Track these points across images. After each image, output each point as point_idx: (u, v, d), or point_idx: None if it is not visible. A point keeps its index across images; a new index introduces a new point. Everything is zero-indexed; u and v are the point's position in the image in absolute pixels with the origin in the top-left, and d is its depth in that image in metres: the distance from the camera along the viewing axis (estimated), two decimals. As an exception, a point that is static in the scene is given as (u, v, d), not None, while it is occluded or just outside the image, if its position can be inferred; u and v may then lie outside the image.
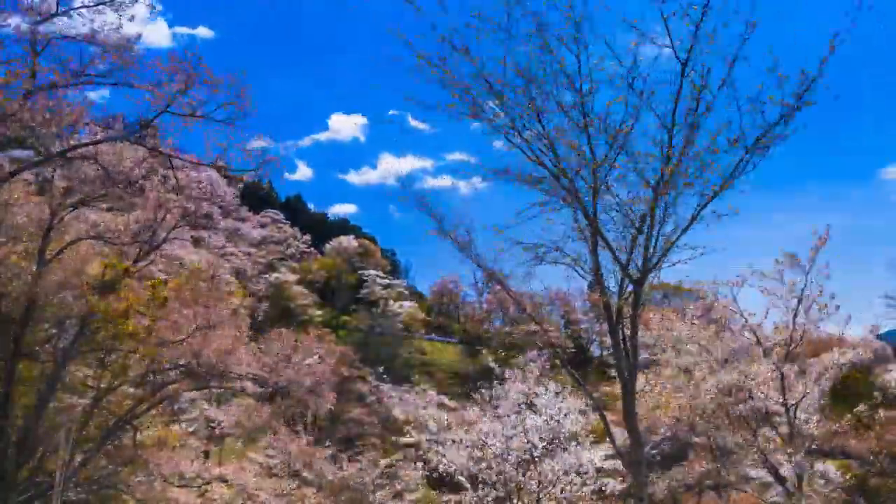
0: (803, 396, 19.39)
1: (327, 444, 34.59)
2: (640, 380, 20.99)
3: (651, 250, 11.28)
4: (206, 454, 30.38)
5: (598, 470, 19.28)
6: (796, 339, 19.34)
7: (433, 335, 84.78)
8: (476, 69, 10.78)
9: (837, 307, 18.78)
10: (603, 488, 19.15)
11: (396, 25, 10.77)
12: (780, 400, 19.15)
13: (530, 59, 10.65)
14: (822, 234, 18.18)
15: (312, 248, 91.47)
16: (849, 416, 21.82)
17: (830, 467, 20.76)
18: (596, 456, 19.40)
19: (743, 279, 19.20)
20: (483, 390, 21.34)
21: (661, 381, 21.87)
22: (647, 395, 22.04)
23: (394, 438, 40.41)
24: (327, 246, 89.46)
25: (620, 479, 19.58)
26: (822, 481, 18.89)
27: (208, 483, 22.52)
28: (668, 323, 21.17)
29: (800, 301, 18.92)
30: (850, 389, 20.40)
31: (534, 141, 11.15)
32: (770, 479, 22.21)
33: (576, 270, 12.10)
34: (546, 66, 10.65)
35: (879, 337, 35.82)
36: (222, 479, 23.40)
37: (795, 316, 19.13)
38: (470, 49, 10.64)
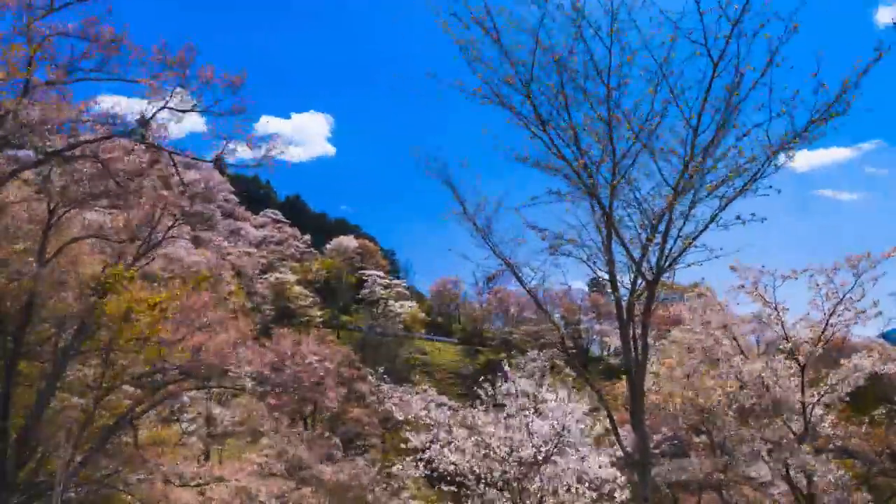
0: (822, 396, 19.27)
1: (328, 443, 34.53)
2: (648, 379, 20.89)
3: (667, 250, 11.14)
4: (206, 454, 30.30)
5: (602, 473, 19.13)
6: (825, 339, 19.17)
7: (433, 335, 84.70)
8: (505, 55, 10.64)
9: (879, 313, 18.63)
10: (606, 491, 19.02)
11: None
12: (799, 398, 19.04)
13: (563, 49, 10.50)
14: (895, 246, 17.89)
15: (312, 248, 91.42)
16: (863, 416, 21.73)
17: (832, 466, 20.62)
18: (600, 459, 19.25)
19: (795, 272, 18.96)
20: (487, 386, 21.15)
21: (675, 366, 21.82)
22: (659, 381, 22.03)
23: (396, 444, 40.32)
24: (327, 246, 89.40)
25: (625, 482, 19.45)
26: (829, 479, 18.74)
27: (208, 483, 22.42)
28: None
29: (840, 301, 18.78)
30: (861, 389, 20.23)
31: (556, 132, 11.02)
32: (771, 477, 22.11)
33: (589, 265, 11.94)
34: (578, 56, 10.52)
35: (884, 336, 35.74)
36: (222, 479, 23.30)
37: (831, 315, 18.99)
38: (501, 35, 10.49)
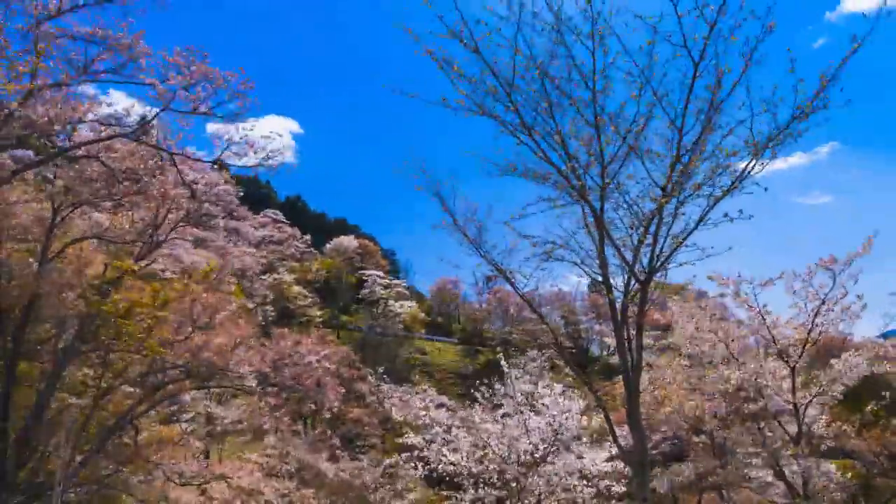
0: (814, 397, 19.36)
1: (329, 443, 34.57)
2: (644, 379, 20.97)
3: (658, 250, 11.24)
4: (207, 453, 30.36)
5: (601, 472, 19.20)
6: (813, 339, 19.26)
7: (433, 335, 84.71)
8: (486, 66, 10.64)
9: (864, 306, 18.77)
10: (604, 490, 19.10)
11: (403, 19, 10.60)
12: (791, 399, 19.13)
13: (544, 54, 10.54)
14: (865, 242, 18.03)
15: (312, 248, 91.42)
16: (857, 415, 21.83)
17: (831, 467, 20.69)
18: (598, 457, 19.34)
19: (772, 280, 19.12)
20: (484, 388, 21.22)
21: (671, 373, 21.93)
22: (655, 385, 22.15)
23: (396, 440, 40.38)
24: (327, 246, 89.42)
25: (624, 480, 19.53)
26: (826, 481, 18.82)
27: (208, 482, 22.49)
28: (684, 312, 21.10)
29: (823, 302, 18.92)
30: (854, 388, 20.33)
31: (543, 138, 11.06)
32: (770, 479, 22.17)
33: (582, 269, 12.02)
34: (560, 61, 10.54)
35: (885, 336, 35.71)
36: (223, 477, 23.37)
37: (816, 316, 19.13)
38: (480, 47, 10.49)
